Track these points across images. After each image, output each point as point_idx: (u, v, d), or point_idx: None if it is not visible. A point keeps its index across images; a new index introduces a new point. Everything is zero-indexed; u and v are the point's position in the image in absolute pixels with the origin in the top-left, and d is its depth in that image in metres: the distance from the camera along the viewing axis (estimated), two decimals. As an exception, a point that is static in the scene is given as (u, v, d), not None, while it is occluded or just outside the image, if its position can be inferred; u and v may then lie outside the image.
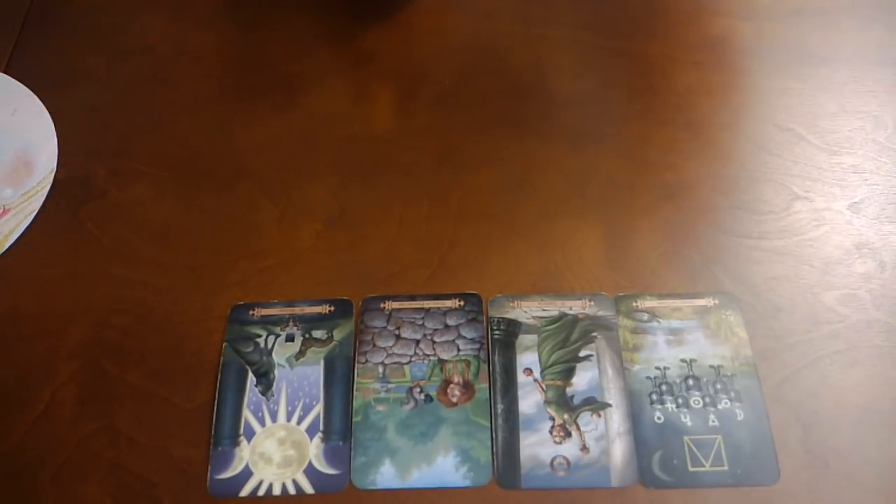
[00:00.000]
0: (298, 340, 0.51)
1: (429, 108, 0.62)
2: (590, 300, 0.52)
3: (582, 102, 0.62)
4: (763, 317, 0.51)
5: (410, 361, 0.50)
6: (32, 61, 0.66)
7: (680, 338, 0.50)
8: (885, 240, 0.54)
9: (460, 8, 0.68)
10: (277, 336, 0.51)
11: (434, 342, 0.50)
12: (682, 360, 0.49)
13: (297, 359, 0.50)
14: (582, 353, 0.50)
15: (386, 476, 0.46)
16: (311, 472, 0.46)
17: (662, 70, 0.63)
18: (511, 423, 0.47)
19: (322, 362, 0.50)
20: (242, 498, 0.46)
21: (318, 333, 0.51)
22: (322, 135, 0.61)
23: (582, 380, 0.49)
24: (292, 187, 0.58)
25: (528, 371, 0.49)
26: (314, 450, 0.47)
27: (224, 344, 0.51)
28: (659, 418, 0.47)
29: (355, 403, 0.48)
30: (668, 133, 0.59)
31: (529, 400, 0.48)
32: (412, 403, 0.48)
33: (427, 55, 0.65)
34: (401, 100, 0.63)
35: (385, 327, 0.51)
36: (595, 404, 0.48)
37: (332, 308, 0.52)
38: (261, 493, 0.46)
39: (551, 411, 0.48)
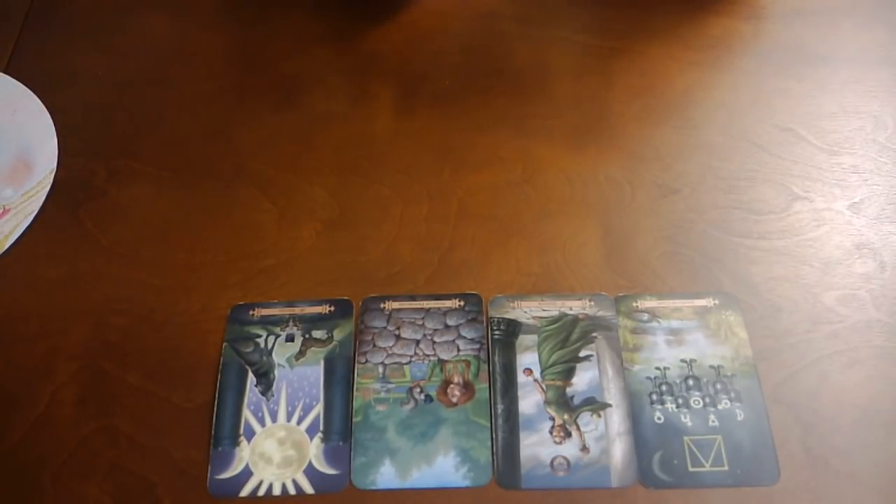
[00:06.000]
0: (298, 340, 0.51)
1: (429, 108, 0.62)
2: (590, 300, 0.52)
3: (582, 102, 0.62)
4: (763, 317, 0.51)
5: (410, 361, 0.50)
6: (32, 61, 0.66)
7: (680, 338, 0.50)
8: (885, 240, 0.54)
9: (460, 8, 0.68)
10: (277, 336, 0.51)
11: (434, 342, 0.50)
12: (682, 361, 0.49)
13: (297, 359, 0.50)
14: (582, 354, 0.50)
15: (386, 476, 0.46)
16: (311, 472, 0.46)
17: (662, 70, 0.63)
18: (511, 423, 0.47)
19: (322, 362, 0.50)
20: (242, 498, 0.46)
21: (318, 333, 0.51)
22: (322, 135, 0.61)
23: (582, 380, 0.49)
24: (292, 187, 0.58)
25: (528, 371, 0.49)
26: (314, 450, 0.47)
27: (224, 344, 0.51)
28: (659, 418, 0.47)
29: (355, 403, 0.48)
30: (668, 133, 0.60)
31: (529, 400, 0.48)
32: (412, 403, 0.48)
33: (427, 55, 0.65)
34: (401, 100, 0.63)
35: (385, 327, 0.51)
36: (595, 404, 0.48)
37: (332, 308, 0.52)
38: (261, 493, 0.46)
39: (551, 411, 0.48)
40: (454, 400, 0.48)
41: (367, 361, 0.50)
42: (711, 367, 0.49)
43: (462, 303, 0.52)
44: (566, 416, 0.47)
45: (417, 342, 0.50)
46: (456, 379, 0.49)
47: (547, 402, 0.48)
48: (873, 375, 0.49)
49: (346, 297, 0.52)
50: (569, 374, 0.49)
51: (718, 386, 0.48)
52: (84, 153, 0.60)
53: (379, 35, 0.66)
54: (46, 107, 0.63)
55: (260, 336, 0.51)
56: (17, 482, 0.47)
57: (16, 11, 0.69)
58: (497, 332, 0.50)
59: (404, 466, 0.46)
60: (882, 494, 0.45)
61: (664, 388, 0.48)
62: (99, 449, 0.48)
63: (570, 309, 0.51)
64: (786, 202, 0.56)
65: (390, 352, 0.50)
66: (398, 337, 0.51)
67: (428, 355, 0.50)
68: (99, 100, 0.64)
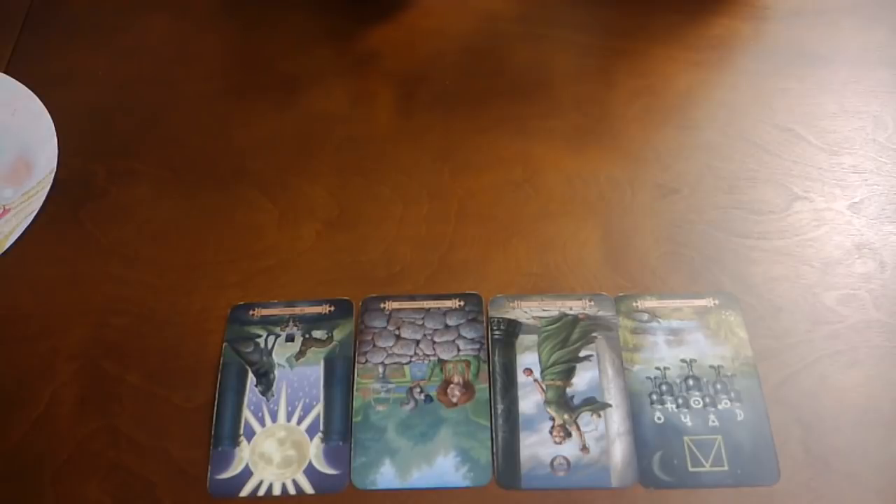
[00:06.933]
0: (298, 340, 0.51)
1: (429, 108, 0.62)
2: (590, 300, 0.52)
3: (582, 102, 0.62)
4: (763, 317, 0.51)
5: (410, 361, 0.50)
6: (32, 61, 0.66)
7: (680, 338, 0.50)
8: (885, 240, 0.54)
9: (461, 8, 0.68)
10: (277, 336, 0.51)
11: (434, 342, 0.50)
12: (683, 361, 0.49)
13: (297, 359, 0.50)
14: (582, 354, 0.50)
15: (386, 476, 0.46)
16: (311, 472, 0.46)
17: (662, 70, 0.63)
18: (511, 423, 0.47)
19: (322, 362, 0.50)
20: (242, 498, 0.46)
21: (318, 333, 0.51)
22: (322, 135, 0.61)
23: (582, 380, 0.49)
24: (292, 187, 0.58)
25: (528, 371, 0.49)
26: (314, 450, 0.47)
27: (224, 344, 0.51)
28: (659, 418, 0.47)
29: (355, 403, 0.48)
30: (668, 133, 0.60)
31: (529, 400, 0.48)
32: (412, 403, 0.48)
33: (427, 55, 0.65)
34: (401, 100, 0.63)
35: (385, 327, 0.51)
36: (595, 404, 0.48)
37: (332, 308, 0.52)
38: (261, 493, 0.46)
39: (551, 411, 0.48)
40: (454, 400, 0.48)
41: (367, 361, 0.50)
42: (711, 367, 0.49)
43: (462, 303, 0.52)
44: (566, 416, 0.47)
45: (417, 342, 0.50)
46: (456, 379, 0.49)
47: (547, 402, 0.48)
48: (873, 375, 0.49)
49: (346, 297, 0.52)
50: (569, 374, 0.49)
51: (718, 386, 0.48)
52: (84, 153, 0.60)
53: (379, 35, 0.66)
54: (46, 107, 0.63)
55: (260, 336, 0.51)
56: (17, 482, 0.47)
57: (16, 12, 0.69)
58: (497, 332, 0.50)
59: (404, 466, 0.46)
60: (882, 494, 0.45)
61: (664, 388, 0.48)
62: (99, 449, 0.48)
63: (570, 309, 0.51)
64: (786, 202, 0.56)
65: (390, 352, 0.50)
66: (398, 337, 0.51)
67: (428, 355, 0.50)
68: (99, 100, 0.64)
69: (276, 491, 0.46)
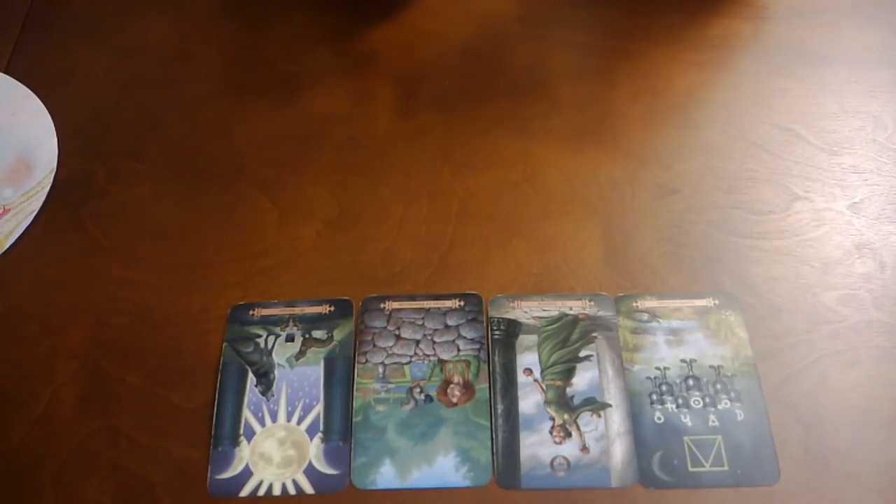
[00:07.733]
0: (298, 340, 0.51)
1: (429, 108, 0.62)
2: (590, 300, 0.52)
3: (582, 103, 0.62)
4: (763, 317, 0.51)
5: (410, 361, 0.50)
6: (32, 61, 0.66)
7: (680, 338, 0.50)
8: (885, 240, 0.54)
9: (461, 8, 0.68)
10: (277, 336, 0.51)
11: (434, 342, 0.50)
12: (682, 361, 0.49)
13: (297, 359, 0.50)
14: (582, 354, 0.50)
15: (386, 476, 0.46)
16: (311, 472, 0.46)
17: (663, 70, 0.63)
18: (511, 423, 0.47)
19: (322, 362, 0.50)
20: (242, 498, 0.46)
21: (318, 333, 0.51)
22: (322, 135, 0.61)
23: (582, 380, 0.49)
24: (292, 187, 0.58)
25: (528, 371, 0.49)
26: (314, 450, 0.47)
27: (224, 344, 0.51)
28: (659, 418, 0.47)
29: (355, 403, 0.48)
30: (668, 133, 0.60)
31: (529, 400, 0.48)
32: (412, 403, 0.48)
33: (427, 55, 0.65)
34: (401, 100, 0.63)
35: (385, 327, 0.51)
36: (595, 404, 0.48)
37: (332, 308, 0.52)
38: (261, 493, 0.46)
39: (551, 411, 0.48)
40: (454, 400, 0.48)
41: (367, 361, 0.50)
42: (711, 367, 0.49)
43: (462, 303, 0.52)
44: (566, 416, 0.47)
45: (417, 342, 0.50)
46: (456, 379, 0.49)
47: (547, 402, 0.48)
48: (873, 375, 0.49)
49: (346, 297, 0.52)
50: (569, 374, 0.49)
51: (718, 386, 0.48)
52: (84, 153, 0.60)
53: (379, 35, 0.66)
54: (46, 107, 0.63)
55: (260, 336, 0.51)
56: (17, 482, 0.47)
57: (16, 11, 0.69)
58: (497, 332, 0.50)
59: (404, 466, 0.46)
60: (882, 494, 0.45)
61: (664, 388, 0.48)
62: (99, 449, 0.48)
63: (570, 309, 0.51)
64: (786, 202, 0.56)
65: (390, 352, 0.50)
66: (398, 337, 0.51)
67: (428, 355, 0.50)
68: (99, 100, 0.64)
69: (276, 491, 0.46)
